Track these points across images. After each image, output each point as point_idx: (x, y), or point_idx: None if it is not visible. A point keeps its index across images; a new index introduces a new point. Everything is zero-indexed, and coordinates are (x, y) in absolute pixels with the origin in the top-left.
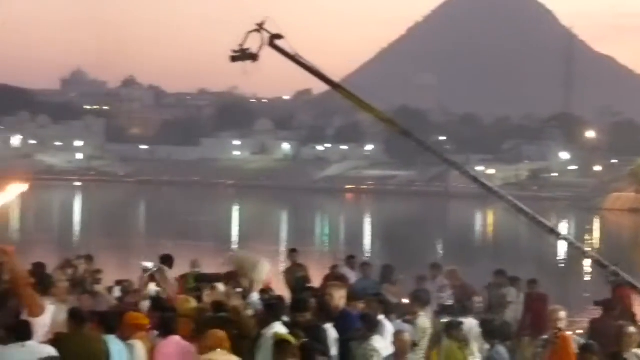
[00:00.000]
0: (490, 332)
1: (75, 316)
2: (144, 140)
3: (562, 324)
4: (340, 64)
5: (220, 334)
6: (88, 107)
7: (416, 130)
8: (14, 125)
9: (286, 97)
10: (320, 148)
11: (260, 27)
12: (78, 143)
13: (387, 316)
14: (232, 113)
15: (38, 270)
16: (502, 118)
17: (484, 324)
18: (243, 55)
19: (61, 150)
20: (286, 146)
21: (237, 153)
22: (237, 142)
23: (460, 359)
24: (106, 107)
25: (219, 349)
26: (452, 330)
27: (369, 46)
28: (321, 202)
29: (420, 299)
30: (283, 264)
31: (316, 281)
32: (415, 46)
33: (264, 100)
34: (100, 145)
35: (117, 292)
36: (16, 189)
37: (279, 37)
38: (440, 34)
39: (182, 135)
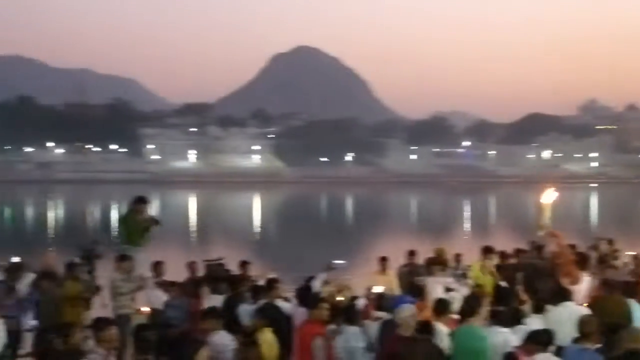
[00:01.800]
0: None
1: (605, 284)
2: None
3: None
4: None
5: None
6: (600, 127)
7: None
8: (546, 142)
9: None
10: None
11: None
12: (592, 154)
13: None
14: None
15: (573, 249)
16: None
17: None
18: None
19: (580, 160)
20: None
21: None
22: None
23: None
24: (614, 126)
25: None
26: None
27: None
28: None
29: None
30: None
31: None
32: None
33: None
34: (609, 155)
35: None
36: (552, 192)
37: None
38: None
39: None
